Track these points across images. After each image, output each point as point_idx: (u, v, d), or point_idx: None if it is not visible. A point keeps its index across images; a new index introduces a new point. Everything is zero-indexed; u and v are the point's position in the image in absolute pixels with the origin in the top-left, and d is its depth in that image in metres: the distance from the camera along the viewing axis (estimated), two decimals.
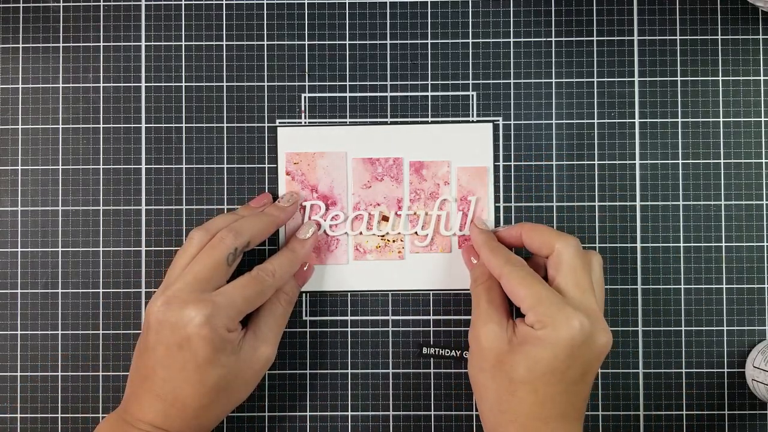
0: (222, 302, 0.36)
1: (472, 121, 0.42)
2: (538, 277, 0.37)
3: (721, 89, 0.42)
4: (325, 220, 0.42)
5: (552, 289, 0.36)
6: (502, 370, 0.36)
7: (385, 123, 0.42)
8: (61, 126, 0.42)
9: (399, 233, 0.42)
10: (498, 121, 0.42)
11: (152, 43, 0.42)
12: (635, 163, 0.42)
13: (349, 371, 0.42)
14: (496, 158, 0.42)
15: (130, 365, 0.38)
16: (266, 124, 0.42)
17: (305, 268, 0.41)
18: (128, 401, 0.37)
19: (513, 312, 0.39)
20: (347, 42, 0.42)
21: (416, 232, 0.42)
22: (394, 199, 0.42)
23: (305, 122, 0.42)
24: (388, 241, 0.42)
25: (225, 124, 0.42)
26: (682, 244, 0.42)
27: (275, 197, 0.42)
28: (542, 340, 0.35)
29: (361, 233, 0.42)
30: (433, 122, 0.42)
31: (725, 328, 0.42)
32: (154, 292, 0.41)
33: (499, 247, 0.39)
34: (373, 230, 0.42)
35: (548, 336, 0.35)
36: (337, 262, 0.42)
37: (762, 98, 0.42)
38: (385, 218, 0.42)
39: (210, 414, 0.37)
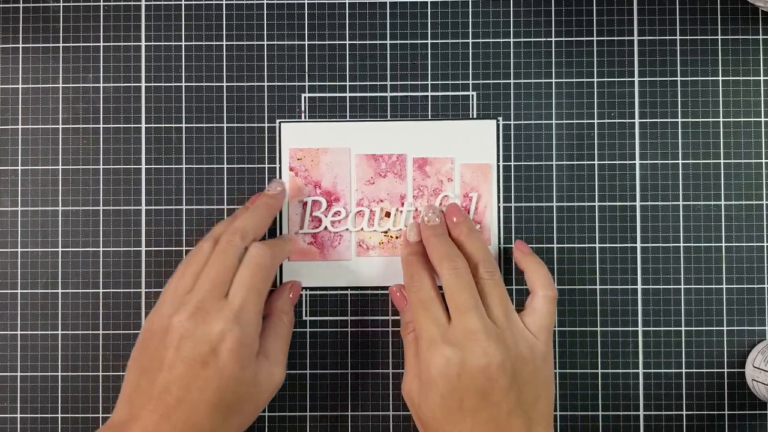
0: (238, 306, 0.35)
1: (476, 118, 0.42)
2: (430, 305, 0.37)
3: (721, 89, 0.42)
4: (326, 216, 0.42)
5: (436, 325, 0.36)
6: (423, 426, 0.37)
7: (389, 119, 0.42)
8: (61, 126, 0.42)
9: (401, 229, 0.42)
10: (498, 121, 0.42)
11: (152, 43, 0.42)
12: (635, 163, 0.42)
13: (349, 371, 0.42)
14: (496, 158, 0.42)
15: (123, 384, 0.36)
16: (266, 124, 0.42)
17: (299, 287, 0.41)
18: (126, 425, 0.34)
19: None
20: (347, 42, 0.42)
21: None
22: (398, 195, 0.42)
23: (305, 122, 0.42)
24: (391, 237, 0.42)
25: (225, 124, 0.42)
26: (682, 244, 0.42)
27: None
28: (426, 383, 0.35)
29: (362, 229, 0.42)
30: (435, 119, 0.42)
31: (725, 328, 0.42)
32: (155, 300, 0.42)
33: (416, 262, 0.39)
34: (374, 226, 0.42)
35: (427, 377, 0.35)
36: (340, 258, 0.42)
37: (762, 98, 0.42)
38: (387, 214, 0.42)
39: None
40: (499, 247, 0.42)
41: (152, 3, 0.43)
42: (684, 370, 0.42)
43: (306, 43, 0.42)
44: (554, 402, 0.38)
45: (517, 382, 0.35)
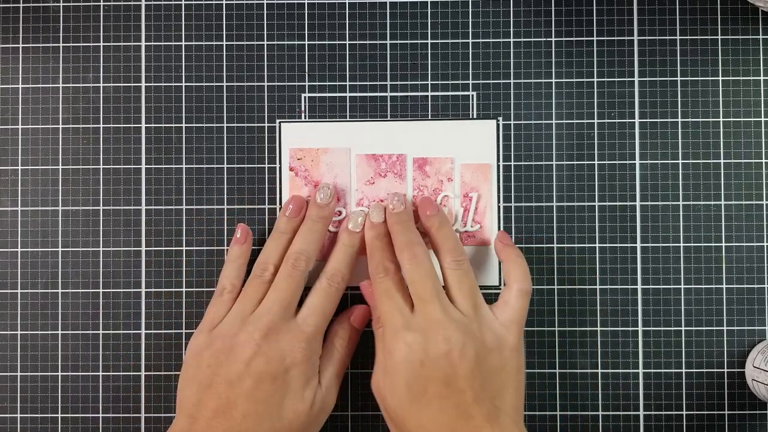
0: (310, 330, 0.37)
1: (476, 118, 0.42)
2: (394, 293, 0.37)
3: (721, 89, 0.42)
4: None
5: (400, 313, 0.36)
6: (389, 416, 0.37)
7: (389, 119, 0.42)
8: (61, 126, 0.42)
9: None
10: (498, 121, 0.42)
11: (152, 43, 0.42)
12: (635, 163, 0.42)
13: (349, 371, 0.42)
14: (496, 158, 0.42)
15: (179, 402, 0.37)
16: (266, 124, 0.42)
17: (362, 312, 0.41)
18: None
19: None
20: (347, 42, 0.42)
21: (417, 228, 0.42)
22: None
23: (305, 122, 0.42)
24: None
25: (225, 124, 0.42)
26: (682, 244, 0.42)
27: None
28: (391, 372, 0.36)
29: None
30: (435, 119, 0.42)
31: (725, 328, 0.42)
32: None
33: (380, 248, 0.39)
34: None
35: (392, 365, 0.35)
36: None
37: (762, 98, 0.42)
38: None
39: None
40: None
41: (152, 3, 0.43)
42: (684, 370, 0.42)
43: (306, 43, 0.42)
44: (524, 396, 0.37)
45: (480, 370, 0.35)
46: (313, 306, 0.38)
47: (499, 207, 0.42)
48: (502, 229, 0.42)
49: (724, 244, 0.42)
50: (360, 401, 0.42)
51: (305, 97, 0.42)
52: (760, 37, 0.42)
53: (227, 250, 0.42)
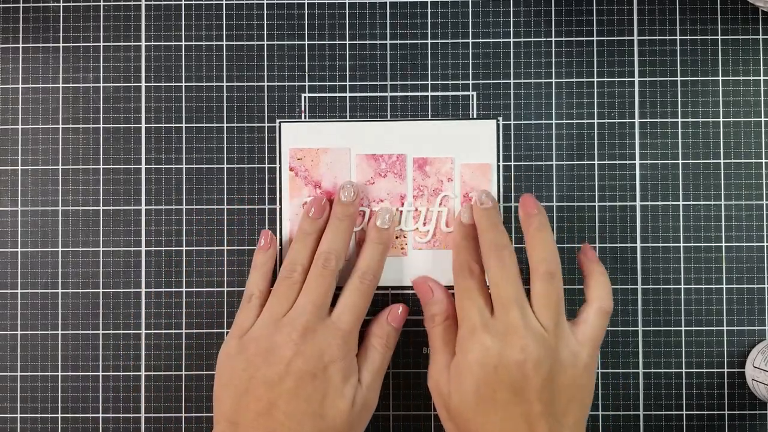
0: (346, 327, 0.37)
1: (476, 118, 0.42)
2: (476, 294, 0.37)
3: (721, 89, 0.42)
4: None
5: (479, 314, 0.36)
6: (450, 415, 0.36)
7: (389, 119, 0.42)
8: (61, 126, 0.42)
9: (401, 229, 0.42)
10: (498, 121, 0.42)
11: (152, 43, 0.42)
12: (635, 163, 0.42)
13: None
14: (496, 157, 0.42)
15: (217, 409, 0.37)
16: (266, 124, 0.42)
17: (399, 311, 0.40)
18: None
19: None
20: (347, 42, 0.42)
21: (417, 228, 0.42)
22: (398, 195, 0.42)
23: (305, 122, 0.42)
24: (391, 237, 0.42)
25: (225, 124, 0.42)
26: (682, 244, 0.42)
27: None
28: (461, 371, 0.35)
29: (362, 229, 0.42)
30: (435, 119, 0.42)
31: (725, 328, 0.42)
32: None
33: (466, 248, 0.39)
34: None
35: (461, 363, 0.35)
36: None
37: (762, 98, 0.42)
38: None
39: None
40: None
41: (152, 3, 0.43)
42: (684, 370, 0.42)
43: (306, 43, 0.42)
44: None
45: (551, 386, 0.35)
46: (346, 304, 0.38)
47: (499, 207, 0.42)
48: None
49: (724, 244, 0.42)
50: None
51: (305, 97, 0.42)
52: (760, 37, 0.42)
53: (250, 257, 0.42)
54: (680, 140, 0.42)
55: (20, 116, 0.42)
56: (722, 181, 0.42)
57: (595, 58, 0.42)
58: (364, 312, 0.39)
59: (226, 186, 0.42)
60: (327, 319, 0.37)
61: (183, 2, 0.43)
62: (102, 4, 0.43)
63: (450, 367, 0.37)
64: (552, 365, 0.35)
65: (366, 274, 0.39)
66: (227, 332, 0.41)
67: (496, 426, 0.34)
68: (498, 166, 0.42)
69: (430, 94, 0.42)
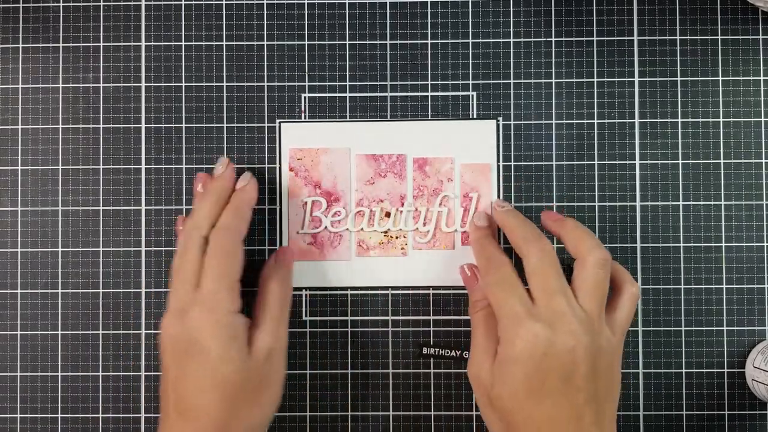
0: (208, 295, 0.36)
1: (476, 118, 0.42)
2: (515, 284, 0.36)
3: (721, 89, 0.42)
4: (326, 216, 0.42)
5: (519, 301, 0.36)
6: (493, 406, 0.36)
7: (389, 119, 0.42)
8: (61, 126, 0.42)
9: (401, 229, 0.42)
10: (498, 121, 0.42)
11: (152, 43, 0.42)
12: (635, 163, 0.42)
13: (349, 371, 0.42)
14: (496, 158, 0.42)
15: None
16: (266, 124, 0.42)
17: (273, 261, 0.40)
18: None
19: None
20: (347, 42, 0.42)
21: (417, 228, 0.42)
22: (398, 195, 0.42)
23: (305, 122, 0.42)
24: (391, 237, 0.42)
25: (225, 124, 0.42)
26: (682, 244, 0.42)
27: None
28: (506, 361, 0.35)
29: (362, 229, 0.42)
30: (435, 119, 0.42)
31: (725, 328, 0.42)
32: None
33: (490, 243, 0.39)
34: (374, 227, 0.42)
35: (508, 353, 0.35)
36: (339, 258, 0.42)
37: (762, 98, 0.42)
38: (387, 214, 0.42)
39: (239, 426, 0.35)
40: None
41: (152, 3, 0.43)
42: (684, 370, 0.42)
43: (306, 43, 0.42)
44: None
45: (596, 372, 0.35)
46: (206, 270, 0.37)
47: None
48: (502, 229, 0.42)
49: (724, 244, 0.42)
50: (360, 401, 0.42)
51: (305, 97, 0.42)
52: (760, 37, 0.42)
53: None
54: (680, 140, 0.42)
55: (20, 116, 0.42)
56: (722, 181, 0.42)
57: (595, 58, 0.42)
58: (226, 269, 0.37)
59: None
60: (194, 292, 0.36)
61: (183, 2, 0.43)
62: (102, 4, 0.43)
63: (494, 357, 0.36)
64: (596, 351, 0.35)
65: (218, 231, 0.37)
66: None
67: (544, 414, 0.34)
68: (498, 166, 0.42)
69: (430, 94, 0.42)
